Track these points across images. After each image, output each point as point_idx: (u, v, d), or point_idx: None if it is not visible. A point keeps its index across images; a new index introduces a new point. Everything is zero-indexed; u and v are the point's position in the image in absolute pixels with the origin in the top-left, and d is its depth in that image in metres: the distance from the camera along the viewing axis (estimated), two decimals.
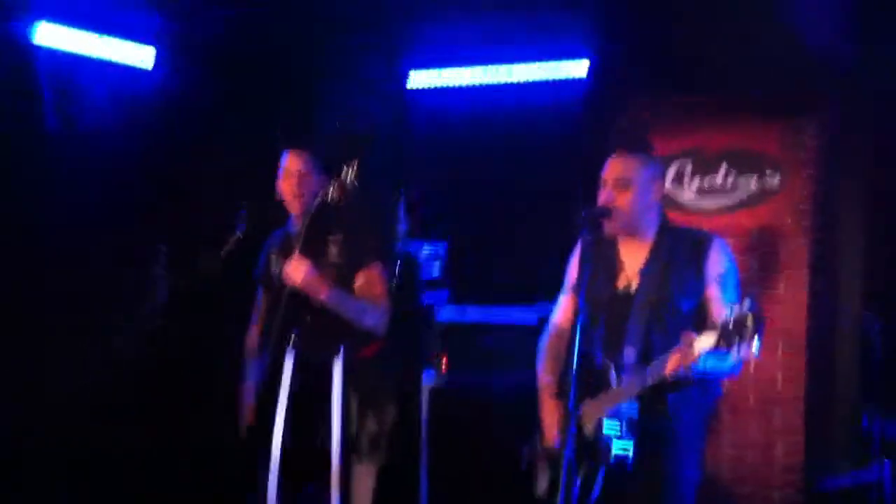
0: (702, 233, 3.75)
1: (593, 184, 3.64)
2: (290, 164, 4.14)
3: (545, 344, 3.91)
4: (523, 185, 6.18)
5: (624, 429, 3.43)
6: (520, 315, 5.66)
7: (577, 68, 5.91)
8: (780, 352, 5.40)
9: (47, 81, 5.48)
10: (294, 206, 4.16)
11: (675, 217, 5.43)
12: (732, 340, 3.05)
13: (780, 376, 5.44)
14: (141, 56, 5.90)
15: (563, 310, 3.91)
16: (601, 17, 5.39)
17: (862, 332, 5.18)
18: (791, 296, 5.40)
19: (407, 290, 5.87)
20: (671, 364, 3.25)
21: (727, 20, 4.28)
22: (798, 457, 5.38)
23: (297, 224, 4.18)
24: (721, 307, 3.47)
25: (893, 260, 5.42)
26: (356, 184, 3.88)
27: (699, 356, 3.18)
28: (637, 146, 3.65)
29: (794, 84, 5.29)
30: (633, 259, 3.65)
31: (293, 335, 4.01)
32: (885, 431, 4.69)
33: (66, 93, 5.60)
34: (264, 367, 4.16)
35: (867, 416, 4.80)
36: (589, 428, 3.48)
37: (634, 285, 3.61)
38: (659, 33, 5.03)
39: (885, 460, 4.43)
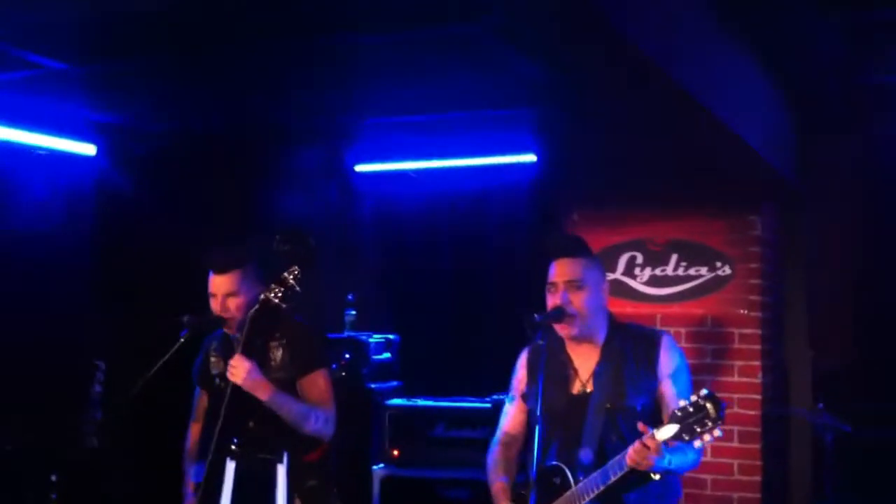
0: (650, 330, 3.73)
1: (543, 281, 3.61)
2: (213, 287, 4.05)
3: (494, 452, 3.82)
4: (474, 277, 6.16)
5: None
6: (472, 401, 5.60)
7: (524, 158, 5.94)
8: (735, 439, 5.38)
9: None
10: (224, 322, 4.07)
11: (628, 305, 5.55)
12: (694, 429, 3.04)
13: (736, 465, 5.41)
14: (82, 148, 5.82)
15: (511, 417, 3.82)
16: (548, 114, 5.42)
17: (813, 425, 5.16)
18: (745, 384, 5.39)
19: (354, 374, 5.78)
20: (631, 457, 3.19)
21: (676, 126, 4.32)
22: None
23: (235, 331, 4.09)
24: (677, 403, 3.41)
25: (839, 353, 5.49)
26: (297, 288, 3.80)
27: (660, 448, 3.13)
28: (581, 250, 3.64)
29: (739, 185, 5.36)
30: (584, 362, 3.60)
31: (233, 444, 3.89)
32: None
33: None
34: (204, 470, 4.03)
35: None
36: None
37: (589, 388, 3.56)
38: (604, 135, 5.12)
39: None
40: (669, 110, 3.94)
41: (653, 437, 3.13)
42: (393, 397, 5.88)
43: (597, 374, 3.55)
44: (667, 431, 3.10)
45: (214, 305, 4.04)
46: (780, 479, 5.68)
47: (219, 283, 4.02)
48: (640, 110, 4.06)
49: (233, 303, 4.00)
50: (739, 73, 4.49)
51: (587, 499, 3.33)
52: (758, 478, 5.34)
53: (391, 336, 6.19)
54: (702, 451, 3.34)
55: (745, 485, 5.37)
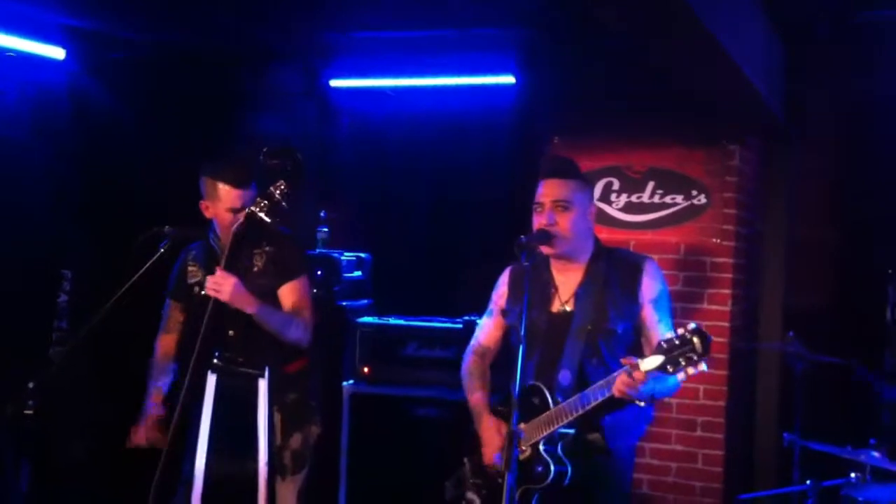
0: (635, 255, 3.77)
1: (521, 205, 3.64)
2: (234, 201, 3.96)
3: (469, 361, 3.88)
4: (450, 198, 6.14)
5: (561, 452, 3.42)
6: (444, 321, 5.62)
7: (504, 80, 5.87)
8: None
9: None
10: (228, 231, 4.01)
11: (602, 231, 5.58)
12: (679, 362, 3.05)
13: (701, 390, 5.51)
14: (52, 51, 5.65)
15: (487, 330, 3.88)
16: (530, 35, 5.35)
17: (782, 353, 5.26)
18: (714, 312, 5.47)
19: (326, 291, 5.78)
20: (618, 387, 3.22)
21: (659, 54, 4.28)
22: (718, 468, 5.46)
23: (222, 238, 4.05)
24: (657, 329, 3.51)
25: (813, 284, 5.59)
26: (283, 203, 3.79)
27: (646, 378, 3.16)
28: (571, 172, 3.65)
29: (724, 115, 5.37)
30: (566, 281, 3.63)
31: (215, 357, 3.90)
32: (804, 450, 4.75)
33: None
34: (176, 380, 4.09)
35: (787, 435, 4.87)
36: (525, 450, 3.44)
37: (569, 308, 3.59)
38: (587, 60, 5.05)
39: (808, 480, 4.48)
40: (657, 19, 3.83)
41: (637, 368, 3.16)
42: (364, 315, 5.88)
43: (579, 295, 3.58)
44: (651, 363, 3.12)
45: (229, 218, 3.96)
46: (745, 405, 5.81)
47: (235, 197, 3.94)
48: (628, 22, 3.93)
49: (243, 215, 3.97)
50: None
51: (564, 421, 3.38)
52: (722, 403, 5.46)
53: (363, 254, 6.18)
54: (681, 379, 3.36)
55: (709, 409, 5.48)
